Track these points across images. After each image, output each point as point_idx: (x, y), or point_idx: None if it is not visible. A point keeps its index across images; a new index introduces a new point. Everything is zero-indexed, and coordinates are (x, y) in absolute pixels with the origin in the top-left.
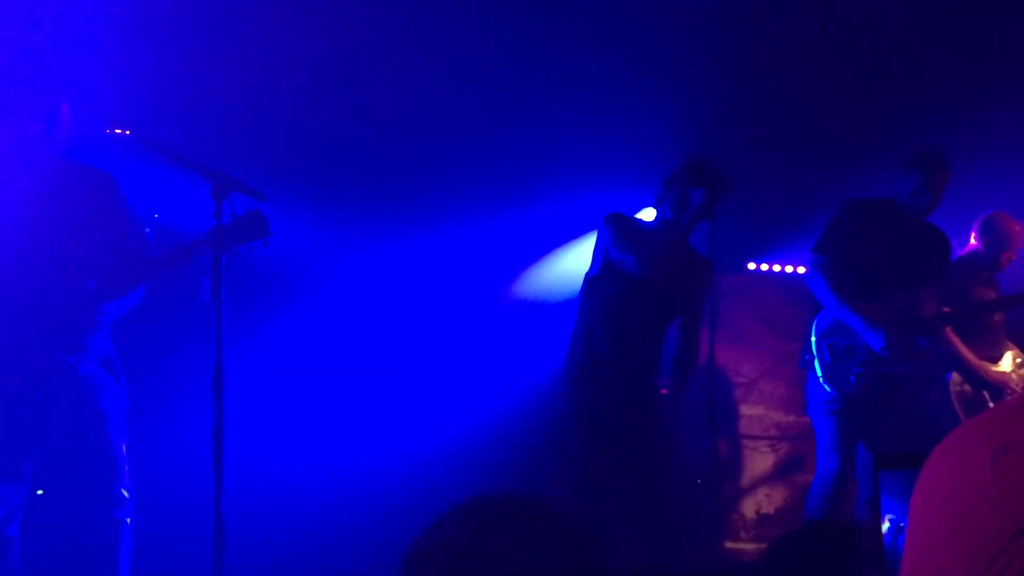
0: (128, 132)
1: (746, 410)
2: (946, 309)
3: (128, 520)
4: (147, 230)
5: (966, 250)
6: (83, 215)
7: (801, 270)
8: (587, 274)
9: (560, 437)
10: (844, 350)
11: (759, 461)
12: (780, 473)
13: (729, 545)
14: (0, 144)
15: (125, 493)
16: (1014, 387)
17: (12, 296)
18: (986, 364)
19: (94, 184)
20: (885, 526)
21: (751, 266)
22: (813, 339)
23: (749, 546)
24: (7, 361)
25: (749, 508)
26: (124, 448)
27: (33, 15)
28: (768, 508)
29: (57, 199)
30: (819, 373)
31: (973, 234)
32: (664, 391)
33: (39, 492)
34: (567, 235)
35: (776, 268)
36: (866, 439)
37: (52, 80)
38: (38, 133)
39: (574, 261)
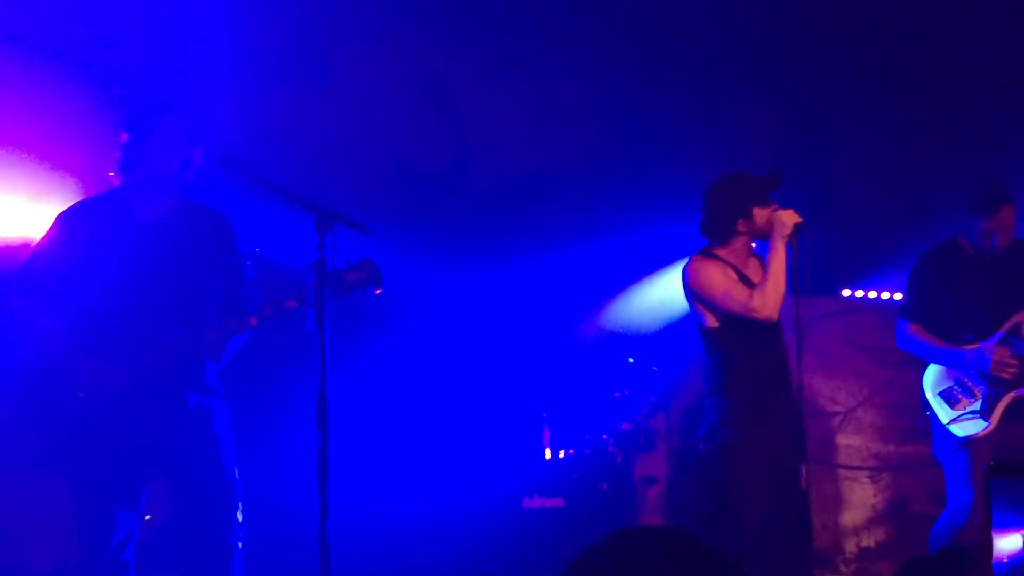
0: (237, 169)
1: (843, 440)
2: None
3: (240, 544)
4: (249, 263)
5: None
6: (203, 255)
7: (898, 296)
8: (702, 325)
9: (722, 489)
10: (963, 391)
11: (858, 492)
12: (880, 505)
13: None
14: (134, 183)
15: (239, 517)
16: None
17: (135, 329)
18: None
19: (214, 226)
20: None
21: (846, 292)
22: (928, 395)
23: None
24: (126, 390)
25: (849, 541)
26: (237, 472)
27: (176, 61)
28: (869, 541)
29: (181, 238)
30: (946, 423)
31: None
32: None
33: (147, 518)
34: (656, 264)
35: (872, 294)
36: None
37: (190, 124)
38: (171, 175)
39: (661, 290)
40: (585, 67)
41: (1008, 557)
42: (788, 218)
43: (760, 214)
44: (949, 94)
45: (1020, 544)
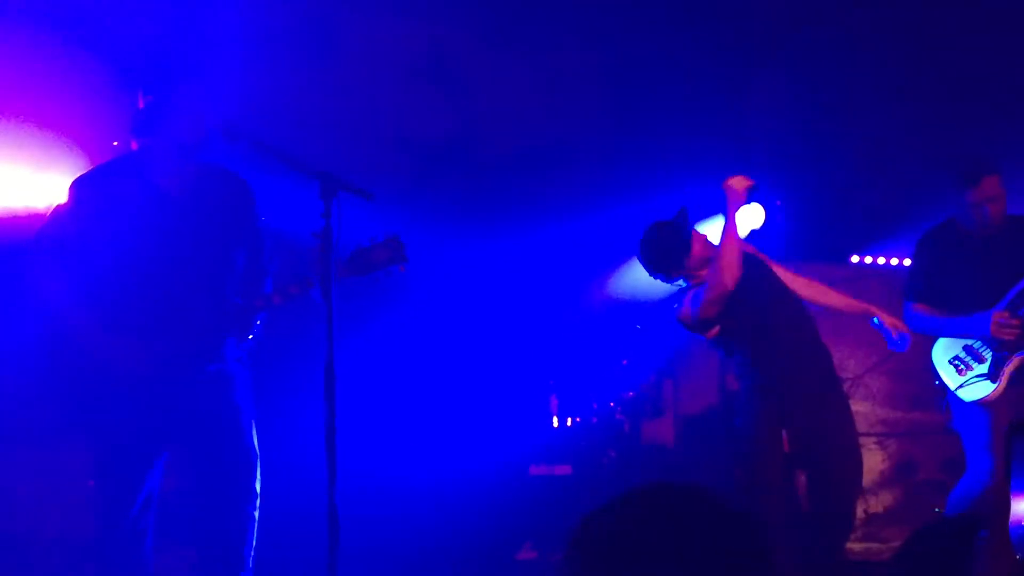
0: (241, 138)
1: (852, 406)
2: None
3: (256, 514)
4: (267, 230)
5: None
6: (224, 223)
7: (907, 262)
8: (707, 339)
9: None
10: (971, 357)
11: (867, 458)
12: (889, 471)
13: None
14: (152, 148)
15: (257, 487)
16: None
17: (154, 298)
18: None
19: (235, 192)
20: None
21: (855, 259)
22: (938, 365)
23: (857, 546)
24: (145, 359)
25: (857, 507)
26: (255, 441)
27: (184, 29)
28: (877, 507)
29: (201, 205)
30: (955, 389)
31: None
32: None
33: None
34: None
35: (881, 260)
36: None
37: (211, 90)
38: (192, 141)
39: None
40: (594, 34)
41: None
42: (738, 183)
43: (692, 258)
44: (961, 61)
45: None
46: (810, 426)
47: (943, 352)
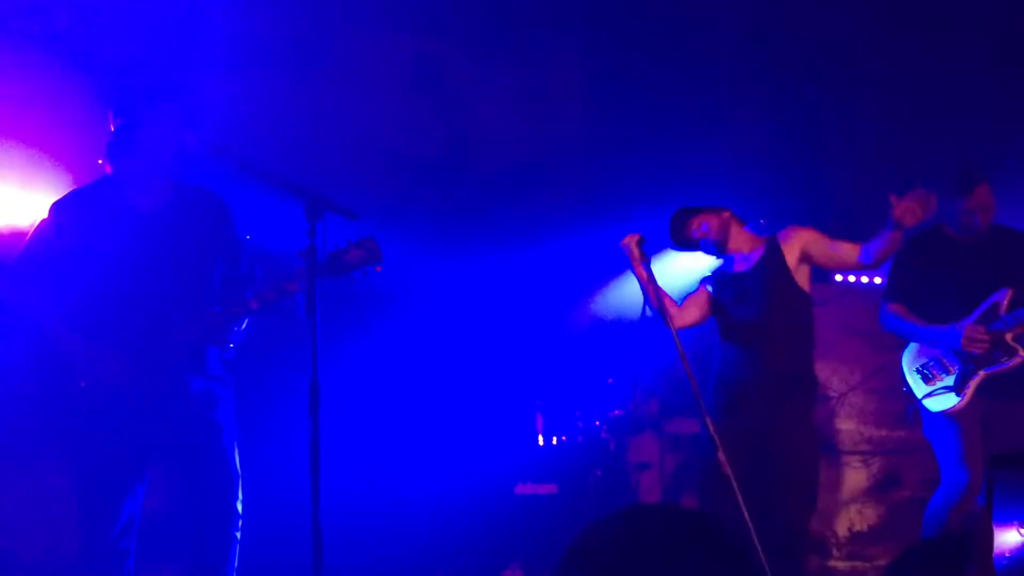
0: (228, 156)
1: (837, 424)
2: None
3: (238, 535)
4: (247, 246)
5: None
6: (201, 240)
7: None
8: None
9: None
10: (937, 367)
11: (851, 477)
12: (873, 489)
13: (820, 563)
14: (126, 170)
15: (239, 508)
16: None
17: (134, 317)
18: None
19: (211, 209)
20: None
21: (838, 277)
22: (906, 372)
23: (842, 564)
24: (127, 378)
25: (841, 525)
26: (238, 462)
27: (167, 47)
28: (861, 525)
29: (178, 223)
30: (921, 398)
31: None
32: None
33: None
34: (649, 251)
35: (864, 279)
36: (991, 445)
37: (183, 110)
38: (164, 162)
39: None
40: (581, 52)
41: (1008, 552)
42: (628, 241)
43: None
44: (954, 75)
45: (1019, 539)
46: (753, 429)
47: (912, 359)
